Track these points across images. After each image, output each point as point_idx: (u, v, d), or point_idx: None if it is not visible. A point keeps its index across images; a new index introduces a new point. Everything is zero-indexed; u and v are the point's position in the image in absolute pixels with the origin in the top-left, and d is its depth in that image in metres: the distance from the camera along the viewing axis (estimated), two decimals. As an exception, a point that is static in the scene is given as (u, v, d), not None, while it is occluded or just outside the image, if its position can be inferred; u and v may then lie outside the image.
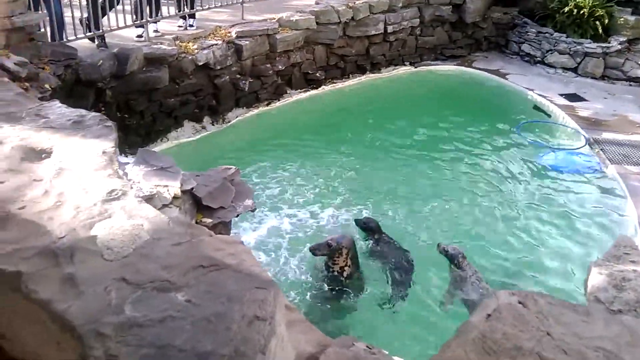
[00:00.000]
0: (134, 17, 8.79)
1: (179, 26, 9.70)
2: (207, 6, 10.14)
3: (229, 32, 9.60)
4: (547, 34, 12.48)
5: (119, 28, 8.59)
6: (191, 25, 9.69)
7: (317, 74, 10.99)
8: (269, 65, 10.08)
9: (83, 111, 1.97)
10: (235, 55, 9.51)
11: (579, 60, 12.08)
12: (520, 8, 13.30)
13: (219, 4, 10.33)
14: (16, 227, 1.32)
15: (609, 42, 11.91)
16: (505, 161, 8.73)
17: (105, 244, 1.28)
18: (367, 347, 1.41)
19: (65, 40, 7.89)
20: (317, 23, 10.61)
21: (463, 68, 12.60)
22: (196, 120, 9.24)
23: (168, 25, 9.65)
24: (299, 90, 10.77)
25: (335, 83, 11.31)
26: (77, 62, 7.50)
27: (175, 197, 3.41)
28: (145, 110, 8.46)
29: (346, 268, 5.61)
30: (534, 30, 12.74)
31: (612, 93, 11.32)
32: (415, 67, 12.54)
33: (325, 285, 5.63)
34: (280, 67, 10.23)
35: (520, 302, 1.26)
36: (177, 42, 8.94)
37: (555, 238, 6.87)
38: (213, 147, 8.78)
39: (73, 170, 1.57)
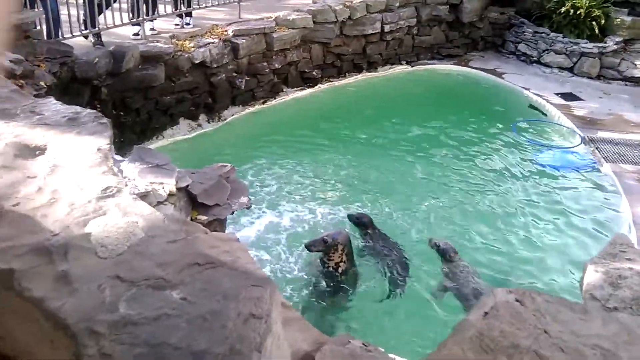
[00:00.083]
0: (131, 15, 8.77)
1: (176, 24, 9.68)
2: (203, 4, 10.12)
3: (226, 31, 9.59)
4: (543, 34, 12.50)
5: (115, 26, 8.58)
6: (188, 24, 9.67)
7: (314, 73, 10.99)
8: (265, 64, 10.07)
9: (78, 108, 1.96)
10: (232, 54, 9.50)
11: (575, 60, 12.12)
12: (517, 8, 13.32)
13: (216, 3, 10.33)
14: (9, 224, 1.31)
15: (605, 42, 11.96)
16: (500, 159, 8.75)
17: (100, 241, 1.27)
18: (363, 344, 1.41)
19: (61, 37, 7.86)
20: (314, 22, 10.61)
21: (460, 67, 12.62)
22: (192, 118, 9.22)
23: (165, 23, 9.62)
24: (296, 89, 10.76)
25: (332, 82, 11.31)
26: (72, 60, 7.47)
27: (170, 195, 3.40)
28: (141, 108, 8.44)
29: (341, 264, 5.63)
30: (530, 30, 12.76)
31: (608, 92, 11.36)
32: (412, 67, 12.55)
33: (321, 281, 5.64)
34: (276, 65, 10.22)
35: (517, 300, 1.26)
36: (174, 40, 8.92)
37: (550, 236, 6.90)
38: (209, 144, 8.77)
39: (67, 167, 1.56)
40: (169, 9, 9.56)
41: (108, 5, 8.45)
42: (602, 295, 1.62)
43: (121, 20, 8.61)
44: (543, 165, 8.57)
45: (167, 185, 3.38)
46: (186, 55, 8.73)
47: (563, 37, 12.22)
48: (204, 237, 1.47)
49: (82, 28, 8.19)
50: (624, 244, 2.06)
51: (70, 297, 1.10)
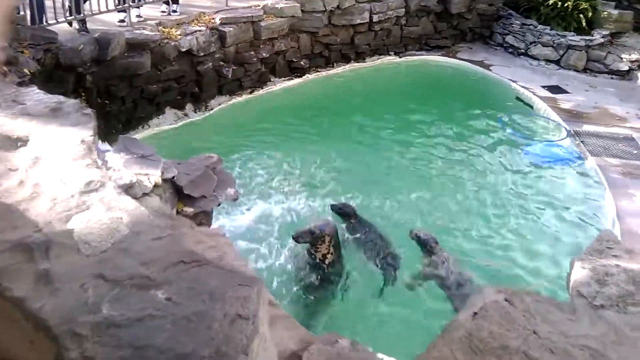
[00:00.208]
0: (116, 1, 8.63)
1: (162, 11, 9.55)
2: (190, -9, 10.00)
3: (213, 19, 9.49)
4: (531, 26, 12.53)
5: (100, 12, 8.44)
6: (174, 11, 9.54)
7: (302, 62, 10.92)
8: (252, 53, 9.98)
9: (61, 98, 1.91)
10: (219, 42, 9.41)
11: (562, 52, 12.16)
12: (505, 0, 13.32)
13: (203, -10, 10.20)
14: (-11, 220, 1.27)
15: (592, 35, 12.01)
16: (486, 152, 8.77)
17: (83, 238, 1.23)
18: (351, 343, 1.39)
19: (45, 24, 7.72)
20: (302, 11, 10.53)
21: (447, 59, 12.61)
22: (178, 107, 9.14)
23: (151, 10, 9.50)
24: (283, 79, 10.70)
25: (320, 72, 11.25)
26: (57, 47, 7.35)
27: (156, 186, 3.35)
28: (127, 97, 8.34)
29: (328, 255, 5.61)
30: (518, 22, 12.78)
31: (594, 86, 11.42)
32: (400, 57, 12.52)
33: (308, 272, 5.62)
34: (264, 54, 10.14)
35: (506, 300, 1.25)
36: (160, 27, 8.80)
37: (534, 228, 6.94)
38: (195, 134, 8.70)
39: (50, 160, 1.52)
40: (156, -5, 9.43)
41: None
42: (589, 292, 1.62)
43: (107, 7, 8.47)
44: (529, 158, 8.60)
45: (153, 176, 3.33)
46: (172, 43, 8.63)
47: (550, 30, 12.25)
48: (189, 233, 1.44)
49: (67, 14, 8.05)
50: (610, 240, 2.07)
51: (51, 297, 1.07)
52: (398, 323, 5.29)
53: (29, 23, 7.43)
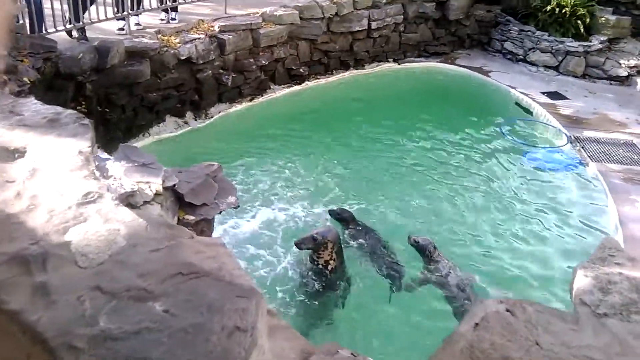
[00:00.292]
0: (115, 9, 8.65)
1: (161, 19, 9.57)
2: (189, -1, 10.03)
3: (212, 26, 9.50)
4: (529, 33, 12.56)
5: (99, 21, 8.46)
6: (173, 19, 9.56)
7: (301, 70, 10.94)
8: (252, 60, 10.00)
9: (59, 108, 1.90)
10: (218, 50, 9.42)
11: (560, 58, 12.19)
12: (503, 6, 13.37)
13: (202, -2, 10.23)
14: (-14, 232, 1.26)
15: (590, 41, 12.04)
16: (486, 158, 8.77)
17: (80, 250, 1.22)
18: (351, 354, 1.38)
19: (44, 32, 7.74)
20: (300, 18, 10.56)
21: (446, 65, 12.64)
22: (178, 115, 9.14)
23: (150, 18, 9.52)
24: (283, 86, 10.71)
25: (319, 79, 11.27)
26: (56, 55, 7.36)
27: (157, 194, 3.34)
28: (127, 105, 8.34)
29: (331, 262, 5.63)
30: (516, 28, 12.81)
31: (593, 91, 11.43)
32: (399, 64, 12.55)
33: (310, 279, 5.63)
34: (263, 62, 10.15)
35: (508, 311, 1.24)
36: (159, 35, 8.82)
37: (536, 234, 6.93)
38: (195, 142, 8.70)
39: (47, 171, 1.51)
40: (154, 3, 9.44)
41: (93, 2, 8.32)
42: (592, 300, 1.61)
43: (105, 15, 8.49)
44: (529, 164, 8.60)
45: (154, 184, 3.33)
46: (172, 51, 8.64)
47: (549, 36, 12.29)
48: (188, 243, 1.43)
49: (67, 23, 8.06)
50: (613, 248, 2.05)
51: (48, 310, 1.06)
52: (400, 330, 5.28)
53: (28, 32, 7.43)
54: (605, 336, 1.24)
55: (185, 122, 9.18)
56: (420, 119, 10.06)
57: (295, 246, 5.68)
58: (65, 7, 7.96)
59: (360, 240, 6.32)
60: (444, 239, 6.61)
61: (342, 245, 6.09)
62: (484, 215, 7.26)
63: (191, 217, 3.80)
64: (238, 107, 9.87)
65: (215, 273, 1.20)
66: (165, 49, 8.58)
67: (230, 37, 9.48)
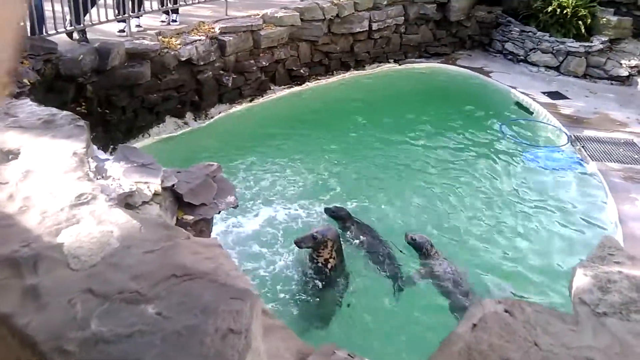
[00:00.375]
0: (116, 11, 8.64)
1: (162, 21, 9.56)
2: (190, 1, 10.01)
3: (213, 28, 9.49)
4: (530, 33, 12.54)
5: (100, 22, 8.44)
6: (174, 21, 9.55)
7: (301, 71, 10.92)
8: (252, 62, 9.99)
9: (54, 110, 1.89)
10: (219, 51, 9.41)
11: (561, 59, 12.16)
12: (504, 7, 13.35)
13: (203, -1, 10.22)
14: (-22, 234, 1.24)
15: (591, 42, 12.01)
16: (488, 158, 8.75)
17: (72, 252, 1.21)
18: (348, 355, 1.36)
19: (45, 34, 7.73)
20: (301, 20, 10.54)
21: (447, 66, 12.61)
22: (178, 116, 9.13)
23: (150, 20, 9.50)
24: (283, 87, 10.69)
25: (320, 80, 11.25)
26: (57, 57, 7.35)
27: (156, 194, 3.33)
28: (127, 106, 8.33)
29: (331, 260, 5.63)
30: (517, 29, 12.79)
31: (594, 91, 11.41)
32: (400, 65, 12.52)
33: (310, 277, 5.63)
34: (264, 63, 10.14)
35: (506, 311, 1.22)
36: (160, 37, 8.81)
37: (536, 233, 6.91)
38: (195, 143, 8.68)
39: (41, 173, 1.49)
40: (155, 5, 9.43)
41: (93, 4, 8.32)
42: (592, 299, 1.60)
43: (106, 17, 8.47)
44: (530, 164, 8.58)
45: (153, 184, 3.32)
46: (172, 53, 8.63)
47: (550, 36, 12.26)
48: (185, 243, 1.41)
49: (67, 25, 8.06)
50: (613, 246, 2.04)
51: (39, 313, 1.04)
52: (399, 329, 5.26)
53: (28, 33, 7.43)
54: (605, 337, 1.22)
55: (186, 123, 9.17)
56: (421, 119, 10.04)
57: (295, 245, 5.67)
58: (66, 9, 7.96)
59: (357, 237, 6.35)
60: (444, 238, 6.61)
61: (344, 243, 6.11)
62: (483, 214, 7.24)
63: (190, 217, 3.79)
64: (238, 108, 9.86)
65: (210, 274, 1.18)
66: (165, 50, 8.57)
67: (231, 38, 9.47)
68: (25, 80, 6.49)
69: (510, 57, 12.87)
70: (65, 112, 1.92)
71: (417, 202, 7.40)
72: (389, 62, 12.47)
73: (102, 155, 5.71)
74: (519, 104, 10.85)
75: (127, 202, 2.99)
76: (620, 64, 11.80)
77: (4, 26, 1.24)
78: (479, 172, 8.30)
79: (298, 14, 10.47)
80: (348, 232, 6.43)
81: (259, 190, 7.39)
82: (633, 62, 11.71)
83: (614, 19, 12.16)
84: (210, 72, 9.32)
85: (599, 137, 9.32)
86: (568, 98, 10.97)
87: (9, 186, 1.45)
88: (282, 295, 5.51)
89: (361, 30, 11.54)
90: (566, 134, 9.40)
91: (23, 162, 1.55)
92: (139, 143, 8.20)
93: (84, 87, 7.65)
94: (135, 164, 3.43)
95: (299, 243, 5.61)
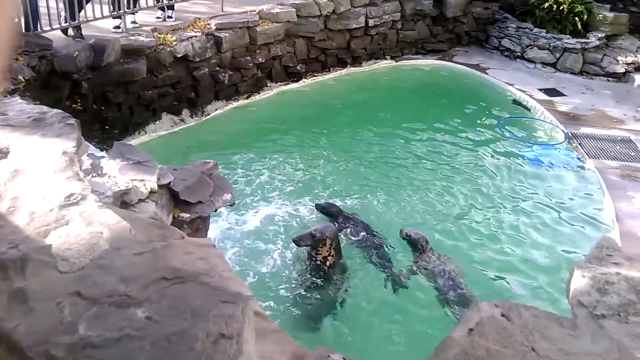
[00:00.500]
0: (111, 7, 8.59)
1: (157, 17, 9.51)
2: (186, -3, 9.97)
3: (209, 24, 9.46)
4: (526, 29, 12.53)
5: (95, 19, 8.40)
6: (170, 17, 9.51)
7: (298, 67, 10.90)
8: (249, 58, 9.96)
9: (45, 108, 1.86)
10: (215, 48, 9.38)
11: (558, 55, 12.15)
12: (500, 3, 13.33)
13: (198, -5, 10.18)
14: (-36, 235, 1.22)
15: (588, 38, 12.01)
16: (484, 155, 8.74)
17: (61, 254, 1.18)
18: (343, 358, 1.34)
19: (40, 30, 7.68)
20: (297, 16, 10.51)
21: (444, 62, 12.60)
22: (175, 113, 9.09)
23: (146, 16, 9.46)
24: (280, 84, 10.67)
25: (316, 76, 11.23)
26: (52, 53, 7.32)
27: (152, 192, 3.31)
28: (123, 103, 8.30)
29: (329, 258, 5.64)
30: (514, 25, 12.78)
31: (591, 88, 11.41)
32: (396, 61, 12.51)
33: (309, 275, 5.64)
34: (260, 59, 10.11)
35: (503, 315, 1.20)
36: (155, 33, 8.78)
37: (533, 231, 6.91)
38: (192, 140, 8.66)
39: (30, 172, 1.46)
40: (151, 1, 9.39)
41: (88, 0, 8.27)
42: (589, 301, 1.58)
43: (101, 13, 8.43)
44: (527, 161, 8.57)
45: (149, 182, 3.30)
46: (168, 49, 8.60)
47: (546, 33, 12.25)
48: (178, 243, 1.39)
49: (62, 22, 8.01)
50: (611, 247, 2.02)
51: (25, 317, 1.02)
52: (397, 328, 5.25)
53: (23, 30, 7.38)
54: (603, 341, 1.21)
55: (182, 120, 9.14)
56: (417, 115, 10.03)
57: (293, 243, 5.66)
58: (61, 5, 7.91)
59: (350, 232, 6.38)
60: (440, 235, 6.62)
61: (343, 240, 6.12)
62: (479, 211, 7.24)
63: (186, 215, 3.77)
64: (235, 105, 9.83)
65: (201, 276, 1.16)
66: (161, 47, 8.54)
67: (227, 34, 9.43)
68: (20, 77, 6.46)
69: (507, 54, 12.86)
70: (55, 110, 1.89)
71: (413, 198, 7.40)
72: (385, 59, 12.45)
73: (97, 152, 5.69)
74: (515, 101, 10.84)
75: (123, 199, 2.96)
76: (617, 60, 11.80)
77: None
78: (475, 170, 8.29)
79: (294, 10, 10.44)
80: (340, 228, 6.42)
81: (257, 187, 7.38)
82: (629, 59, 11.71)
83: (611, 15, 12.16)
84: (207, 69, 9.29)
85: (596, 135, 9.32)
86: (565, 95, 10.97)
87: (-3, 186, 1.42)
88: (280, 293, 5.51)
89: (357, 26, 11.51)
90: (563, 131, 9.40)
91: (11, 162, 1.52)
92: (135, 140, 8.17)
93: (79, 83, 7.62)
94: (131, 162, 3.40)
95: (297, 241, 5.61)
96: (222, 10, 10.09)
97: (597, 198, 7.63)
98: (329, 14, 10.94)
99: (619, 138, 9.23)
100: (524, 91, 11.03)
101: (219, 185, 4.21)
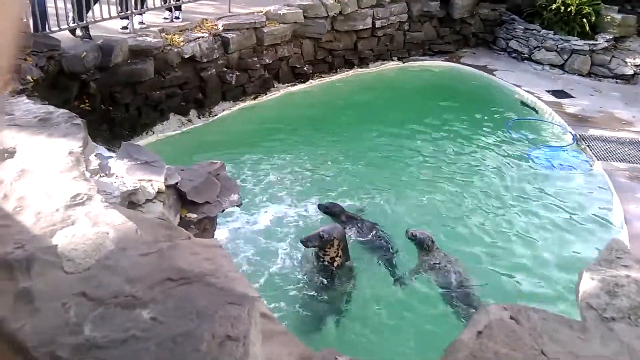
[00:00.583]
0: (119, 8, 8.62)
1: (165, 18, 9.54)
2: (193, -2, 9.99)
3: (216, 25, 9.47)
4: (534, 31, 12.47)
5: (103, 19, 8.43)
6: (177, 17, 9.53)
7: (305, 68, 10.89)
8: (256, 59, 9.96)
9: (51, 108, 1.86)
10: (222, 48, 9.39)
11: (566, 57, 12.09)
12: (507, 5, 13.27)
13: (206, -4, 10.19)
14: (-30, 235, 1.21)
15: (596, 40, 11.94)
16: (492, 157, 8.70)
17: (66, 254, 1.18)
18: (349, 360, 1.33)
19: (48, 31, 7.72)
20: (304, 17, 10.51)
21: (451, 64, 12.56)
22: (182, 113, 9.11)
23: (154, 17, 9.48)
24: (287, 85, 10.67)
25: (323, 77, 11.22)
26: (60, 54, 7.34)
27: (159, 192, 3.31)
28: (131, 103, 8.32)
29: (337, 258, 5.65)
30: (521, 27, 12.72)
31: (599, 90, 11.34)
32: (403, 63, 12.48)
33: (316, 275, 5.65)
34: (267, 60, 10.12)
35: (512, 318, 1.19)
36: (163, 34, 8.80)
37: (541, 233, 6.87)
38: (199, 140, 8.67)
39: (36, 172, 1.46)
40: (158, 2, 9.41)
41: (96, 1, 8.30)
42: (599, 304, 1.56)
43: (109, 14, 8.46)
44: (536, 163, 8.53)
45: (156, 182, 3.30)
46: (176, 50, 8.62)
47: (554, 34, 12.19)
48: (185, 244, 1.38)
49: (70, 21, 8.04)
50: (620, 249, 2.00)
51: (31, 318, 1.01)
52: (405, 328, 5.24)
53: (31, 30, 7.41)
54: (613, 344, 1.19)
55: (189, 121, 9.15)
56: (425, 117, 9.99)
57: (301, 244, 5.67)
58: (69, 5, 7.94)
59: (355, 231, 6.40)
60: (447, 235, 6.59)
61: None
62: (486, 212, 7.21)
63: (194, 216, 3.78)
64: (242, 106, 9.84)
65: (207, 277, 1.15)
66: (169, 47, 8.56)
67: (234, 35, 9.44)
68: (29, 77, 6.48)
69: (514, 55, 12.81)
70: (61, 110, 1.89)
71: (420, 198, 7.39)
72: (392, 60, 12.43)
73: (105, 152, 5.70)
74: (523, 103, 10.80)
75: (130, 200, 2.96)
76: (625, 62, 11.73)
77: (3, 24, 1.21)
78: (482, 171, 8.26)
79: (301, 11, 10.44)
80: (344, 226, 6.43)
81: (265, 187, 7.39)
82: (638, 61, 11.63)
83: (619, 16, 12.07)
84: (214, 70, 9.30)
85: (604, 136, 9.26)
86: (573, 97, 10.91)
87: (4, 186, 1.42)
88: (287, 293, 5.52)
89: (364, 27, 11.49)
90: (571, 133, 9.35)
91: (18, 161, 1.52)
92: (143, 140, 8.20)
93: (87, 84, 7.64)
94: (138, 162, 3.40)
95: (305, 242, 5.62)
96: (229, 11, 10.11)
97: (605, 200, 7.58)
98: (335, 15, 10.93)
99: (628, 140, 9.17)
100: (531, 93, 10.97)
101: (226, 186, 4.21)
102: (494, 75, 11.90)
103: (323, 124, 9.52)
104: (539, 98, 10.73)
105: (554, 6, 12.08)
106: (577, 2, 11.89)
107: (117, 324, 1.02)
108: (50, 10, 7.80)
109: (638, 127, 9.72)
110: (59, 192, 1.39)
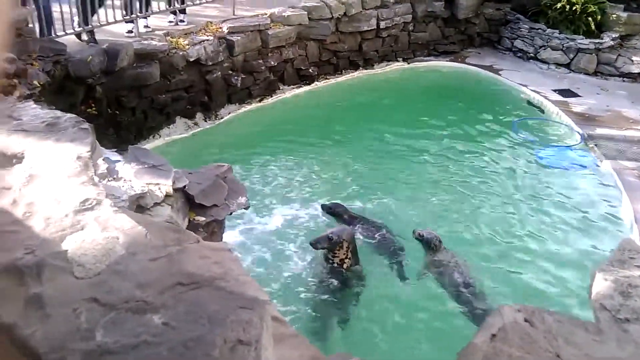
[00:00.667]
0: (124, 12, 8.64)
1: (170, 21, 9.55)
2: (197, 1, 9.99)
3: (220, 28, 9.48)
4: (539, 30, 12.43)
5: (108, 23, 8.45)
6: (182, 21, 9.54)
7: (310, 70, 10.88)
8: (261, 61, 9.96)
9: (58, 112, 1.86)
10: (227, 51, 9.40)
11: (571, 56, 12.05)
12: (512, 4, 13.22)
13: (210, -1, 10.21)
14: (-20, 241, 1.21)
15: (602, 38, 11.88)
16: (500, 157, 8.68)
17: (77, 259, 1.17)
18: (361, 364, 1.32)
19: (54, 35, 7.75)
20: (309, 19, 10.51)
21: (456, 64, 12.53)
22: (188, 116, 9.12)
23: (158, 20, 9.50)
24: (292, 87, 10.66)
25: (328, 79, 11.21)
26: (66, 58, 7.36)
27: (167, 196, 3.33)
28: (137, 107, 8.33)
29: (346, 260, 5.66)
30: (526, 26, 12.68)
31: (605, 89, 11.29)
32: (408, 63, 12.46)
33: (326, 277, 5.65)
34: (272, 63, 10.12)
35: (526, 320, 1.17)
36: (168, 37, 8.81)
37: (550, 233, 6.84)
38: (206, 143, 8.68)
39: (45, 178, 1.46)
40: (163, 5, 9.44)
41: (101, 4, 8.33)
42: (613, 305, 1.54)
43: (114, 18, 8.48)
44: (542, 162, 8.50)
45: (164, 186, 3.31)
46: (181, 53, 8.63)
47: (559, 33, 12.14)
48: (194, 247, 1.38)
49: (75, 26, 8.07)
50: (633, 249, 1.98)
51: (42, 324, 1.01)
52: (415, 330, 5.23)
53: (37, 35, 7.44)
54: (629, 346, 1.17)
55: (196, 124, 9.16)
56: (431, 117, 9.98)
57: (310, 246, 5.67)
58: (74, 10, 7.97)
59: (360, 231, 6.39)
60: (455, 236, 6.57)
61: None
62: (494, 212, 7.19)
63: (202, 219, 3.79)
64: (248, 108, 9.85)
65: (217, 281, 1.14)
66: (174, 50, 8.57)
67: (239, 38, 9.45)
68: (36, 82, 6.49)
69: (519, 55, 12.77)
70: (69, 115, 1.88)
71: (428, 198, 7.39)
72: (397, 61, 12.41)
73: (113, 156, 5.71)
74: (529, 102, 10.76)
75: (138, 203, 2.96)
76: (632, 60, 11.68)
77: None
78: (489, 171, 8.23)
79: (305, 12, 10.44)
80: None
81: (273, 189, 7.40)
82: (645, 59, 11.58)
83: (624, 15, 12.01)
84: (219, 72, 9.31)
85: (612, 135, 9.21)
86: (579, 96, 10.87)
87: (13, 191, 1.42)
88: (297, 295, 5.53)
89: (369, 28, 11.48)
90: (578, 132, 9.31)
91: (27, 167, 1.52)
92: (150, 144, 8.21)
93: (93, 88, 7.66)
94: (146, 165, 3.41)
95: (314, 244, 5.63)
96: (234, 14, 10.11)
97: (614, 199, 7.54)
98: (340, 17, 10.93)
99: (636, 139, 9.12)
100: (538, 92, 10.94)
101: (234, 189, 4.22)
102: (500, 75, 11.86)
103: (329, 125, 9.52)
104: (545, 97, 10.70)
105: (559, 5, 12.04)
106: (582, 0, 11.84)
107: (129, 329, 1.01)
108: (56, 14, 7.82)
109: (646, 125, 9.67)
110: (68, 197, 1.39)
